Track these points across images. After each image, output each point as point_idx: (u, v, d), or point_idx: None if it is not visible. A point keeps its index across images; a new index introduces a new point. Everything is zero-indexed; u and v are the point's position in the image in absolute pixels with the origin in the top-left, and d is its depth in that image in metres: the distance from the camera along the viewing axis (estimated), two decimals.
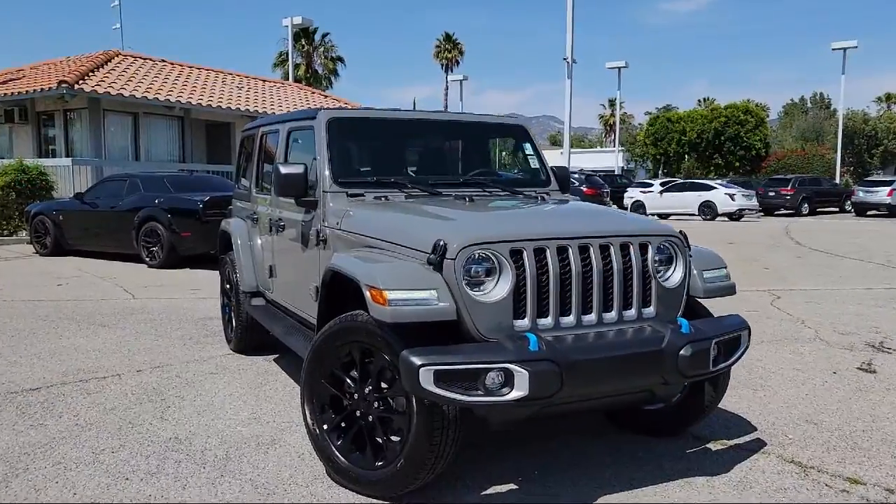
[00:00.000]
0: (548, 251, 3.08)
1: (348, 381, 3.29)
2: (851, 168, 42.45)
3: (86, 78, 17.22)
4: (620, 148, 49.68)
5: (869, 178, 31.46)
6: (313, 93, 26.51)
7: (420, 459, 3.00)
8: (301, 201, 4.17)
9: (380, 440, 3.18)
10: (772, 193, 30.39)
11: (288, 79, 31.13)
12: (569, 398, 2.92)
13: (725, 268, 3.62)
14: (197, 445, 3.83)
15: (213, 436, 3.97)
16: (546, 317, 3.08)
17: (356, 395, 3.25)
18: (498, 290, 3.01)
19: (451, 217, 3.40)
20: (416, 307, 2.89)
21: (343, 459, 3.28)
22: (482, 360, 2.79)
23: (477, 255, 3.01)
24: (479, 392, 2.79)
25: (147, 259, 11.24)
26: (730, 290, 3.58)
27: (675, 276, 3.39)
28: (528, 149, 4.76)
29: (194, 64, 22.76)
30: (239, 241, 5.58)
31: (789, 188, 30.12)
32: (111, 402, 4.55)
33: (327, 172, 4.08)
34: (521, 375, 2.76)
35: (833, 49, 35.05)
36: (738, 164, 47.16)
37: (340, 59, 52.54)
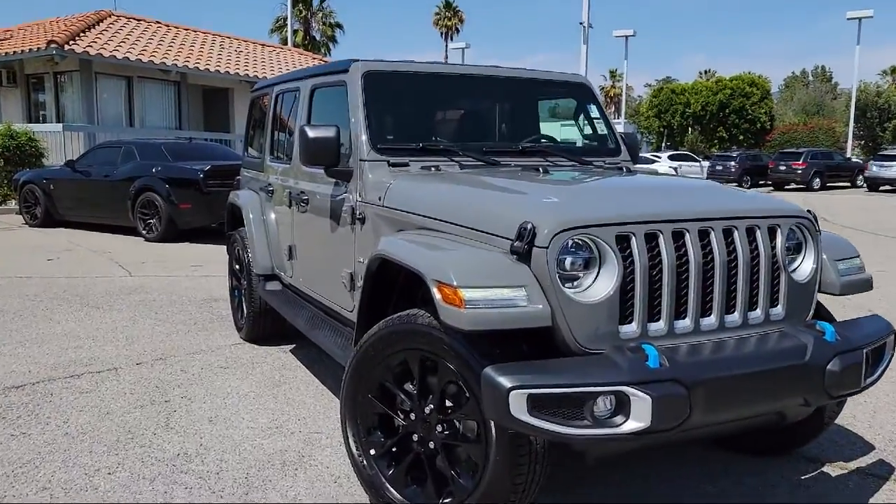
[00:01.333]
0: (661, 236, 2.42)
1: (402, 396, 2.64)
2: (862, 142, 41.67)
3: (76, 38, 16.32)
4: (625, 120, 48.75)
5: (883, 153, 30.70)
6: (314, 58, 25.55)
7: (498, 500, 2.37)
8: (331, 172, 3.49)
9: (444, 472, 2.54)
10: (783, 167, 29.66)
11: (286, 45, 30.09)
12: (692, 427, 2.28)
13: (858, 257, 2.97)
14: (210, 465, 3.19)
15: (228, 451, 3.33)
16: (658, 320, 2.43)
17: (413, 415, 2.61)
18: (600, 286, 2.36)
19: (536, 193, 2.71)
20: (501, 310, 2.23)
21: (396, 494, 2.65)
22: (590, 381, 2.14)
23: (574, 242, 2.35)
24: (585, 422, 2.15)
25: (144, 232, 10.54)
26: (867, 286, 2.93)
27: (805, 266, 2.74)
28: (594, 111, 4.07)
29: (191, 26, 21.80)
30: (251, 217, 4.90)
31: (801, 162, 29.36)
32: (107, 404, 3.90)
33: (364, 137, 3.39)
34: (641, 402, 2.12)
35: (848, 18, 34.06)
36: (742, 137, 46.34)
37: (339, 26, 51.23)
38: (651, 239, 2.42)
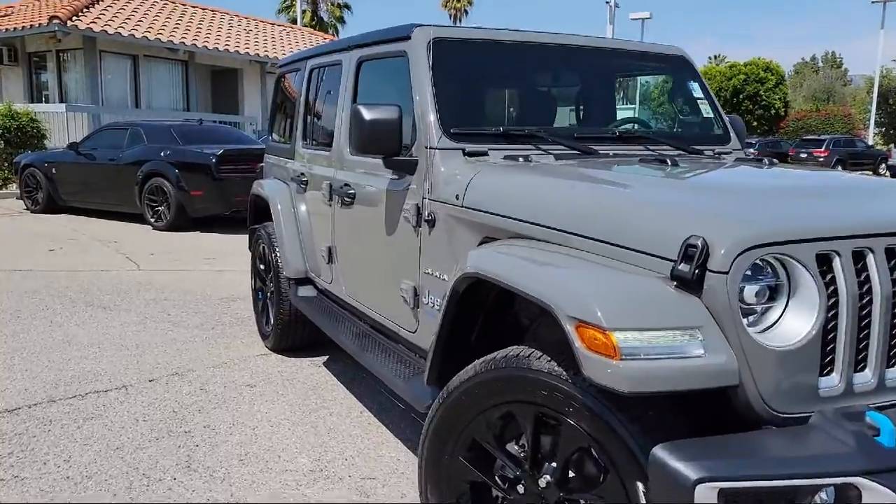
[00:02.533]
0: (870, 255, 1.78)
1: (506, 461, 2.01)
2: (883, 129, 40.76)
3: (80, 14, 15.61)
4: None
5: None
6: (325, 38, 24.74)
7: None
8: (392, 162, 2.85)
9: None
10: (804, 154, 28.89)
11: (295, 25, 29.28)
12: None
13: None
14: None
15: None
16: (863, 370, 1.80)
17: (521, 487, 1.98)
18: (793, 323, 1.72)
19: (700, 196, 2.03)
20: (670, 363, 1.60)
21: None
22: (807, 469, 1.51)
23: (760, 265, 1.71)
24: None
25: (152, 220, 9.91)
26: None
27: None
28: (697, 89, 3.41)
29: (198, 3, 21.02)
30: (280, 212, 4.26)
31: (823, 150, 28.61)
32: (116, 436, 3.29)
33: (433, 118, 2.74)
34: (877, 497, 1.49)
35: (872, 2, 33.13)
36: (755, 123, 45.45)
37: (347, 7, 50.23)
38: (859, 259, 1.77)
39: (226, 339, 4.83)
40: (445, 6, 65.98)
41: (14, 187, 13.16)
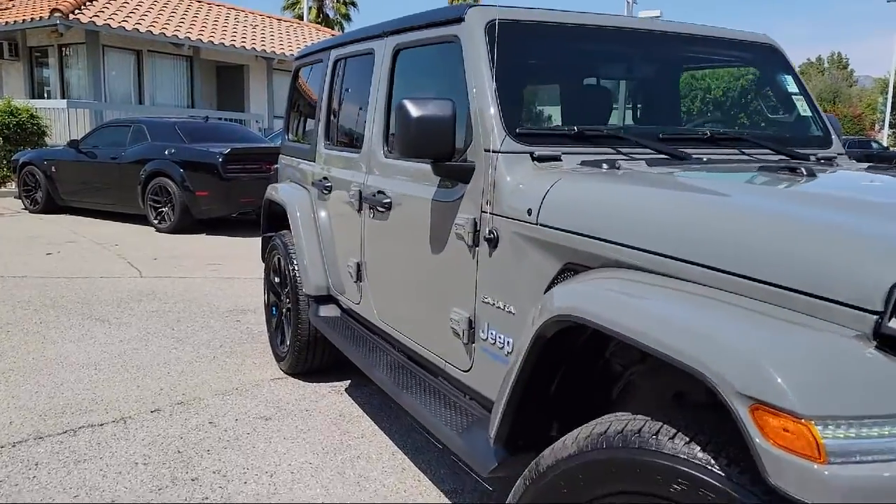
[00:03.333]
0: None
1: None
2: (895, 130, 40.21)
3: (82, 8, 15.13)
4: None
5: None
6: (332, 34, 24.24)
7: None
8: (444, 168, 2.37)
9: None
10: None
11: (301, 20, 28.80)
12: None
13: None
14: None
15: None
16: None
17: None
18: None
19: (884, 223, 1.51)
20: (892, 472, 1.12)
21: None
22: None
23: None
24: None
25: (155, 222, 9.44)
26: None
27: None
28: (790, 83, 2.92)
29: None
30: (299, 221, 3.78)
31: None
32: (112, 485, 2.81)
33: (495, 117, 2.26)
34: None
35: (888, 1, 32.57)
36: (763, 124, 44.90)
37: (353, 4, 49.71)
38: None
39: (236, 360, 4.36)
40: (452, 3, 65.38)
41: (12, 186, 12.71)
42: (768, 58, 2.96)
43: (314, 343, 3.84)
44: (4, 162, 12.99)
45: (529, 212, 2.06)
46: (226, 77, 19.20)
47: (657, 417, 1.46)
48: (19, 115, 13.27)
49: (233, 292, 6.12)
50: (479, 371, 2.33)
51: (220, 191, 8.97)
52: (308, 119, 4.10)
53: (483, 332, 2.27)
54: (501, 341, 2.19)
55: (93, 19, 14.89)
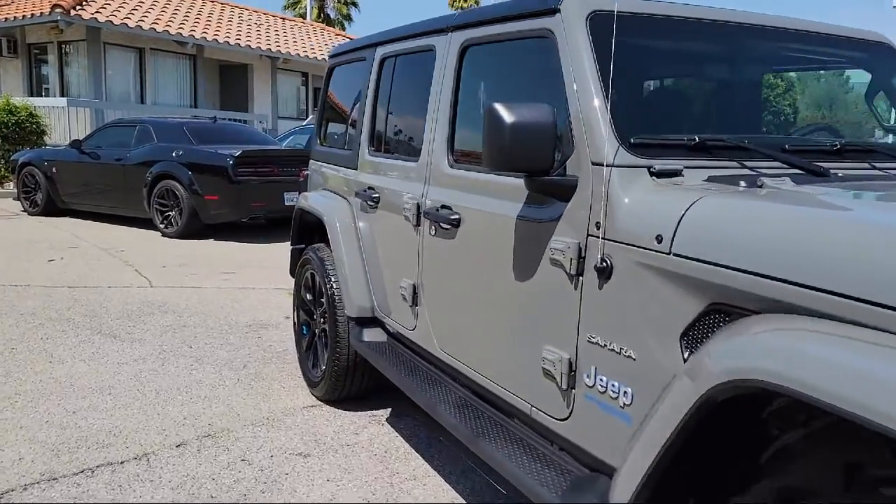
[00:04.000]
0: None
1: None
2: None
3: (84, 3, 14.75)
4: None
5: None
6: (337, 35, 23.91)
7: None
8: (539, 183, 2.03)
9: None
10: None
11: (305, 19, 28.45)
12: None
13: None
14: None
15: None
16: None
17: None
18: None
19: None
20: None
21: None
22: None
23: None
24: None
25: (162, 226, 9.07)
26: None
27: None
28: None
29: None
30: (340, 234, 3.44)
31: None
32: None
33: (605, 123, 1.92)
34: None
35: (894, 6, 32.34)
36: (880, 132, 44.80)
37: (354, 4, 49.38)
38: None
39: (262, 384, 4.01)
40: (451, 5, 65.20)
41: (11, 187, 12.32)
42: (885, 59, 2.63)
43: (354, 368, 3.50)
44: (3, 162, 12.61)
45: (659, 239, 1.71)
46: (229, 76, 18.83)
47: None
48: (18, 113, 12.89)
49: (249, 304, 5.77)
50: (579, 421, 1.99)
51: (230, 195, 8.62)
52: (347, 123, 3.76)
53: (588, 377, 1.93)
54: (615, 390, 1.84)
55: (94, 16, 14.52)
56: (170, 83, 17.23)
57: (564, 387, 2.01)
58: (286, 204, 8.97)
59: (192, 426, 3.41)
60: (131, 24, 15.08)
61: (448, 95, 2.66)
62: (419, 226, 2.80)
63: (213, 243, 8.73)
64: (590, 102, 1.96)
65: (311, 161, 4.21)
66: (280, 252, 8.21)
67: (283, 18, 22.25)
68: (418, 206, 2.79)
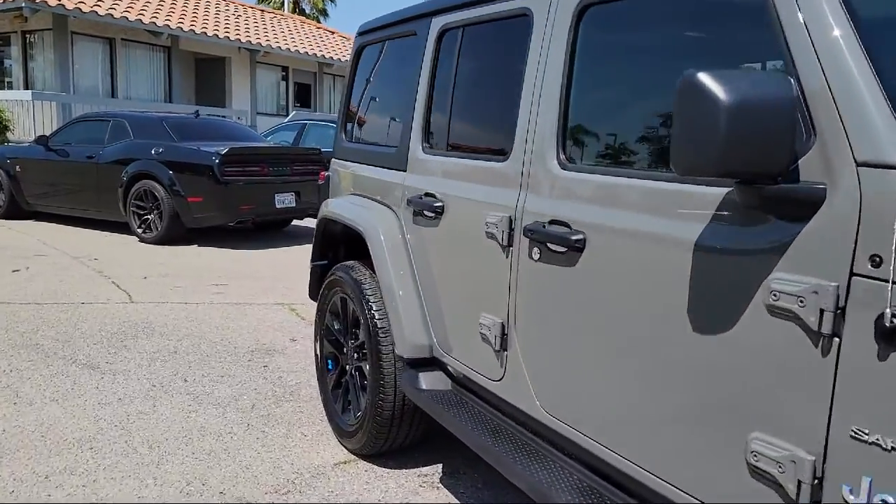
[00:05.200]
0: None
1: None
2: None
3: None
4: None
5: None
6: (318, 27, 23.03)
7: None
8: (769, 195, 1.36)
9: None
10: None
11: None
12: None
13: None
14: None
15: None
16: None
17: None
18: None
19: None
20: None
21: None
22: None
23: None
24: None
25: (139, 231, 8.26)
26: None
27: None
28: None
29: None
30: (387, 253, 2.74)
31: None
32: None
33: (876, 100, 1.26)
34: None
35: None
36: None
37: None
38: None
39: (278, 430, 3.30)
40: None
41: None
42: None
43: (401, 418, 2.81)
44: None
45: None
46: (205, 70, 17.94)
47: None
48: None
49: (248, 324, 5.03)
50: None
51: (215, 196, 7.83)
52: (388, 113, 3.07)
53: (853, 490, 1.27)
54: None
55: (62, 2, 13.55)
56: (142, 76, 16.29)
57: (805, 501, 1.34)
58: (277, 207, 8.24)
59: (200, 495, 2.69)
60: (101, 11, 14.13)
61: (558, 72, 1.99)
62: (511, 246, 2.12)
63: (197, 250, 7.93)
64: (846, 69, 1.30)
65: (335, 161, 3.50)
66: (274, 260, 7.46)
67: (263, 10, 21.36)
68: (511, 221, 2.11)
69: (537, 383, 2.07)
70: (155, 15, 15.40)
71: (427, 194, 2.58)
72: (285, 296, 5.89)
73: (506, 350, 2.18)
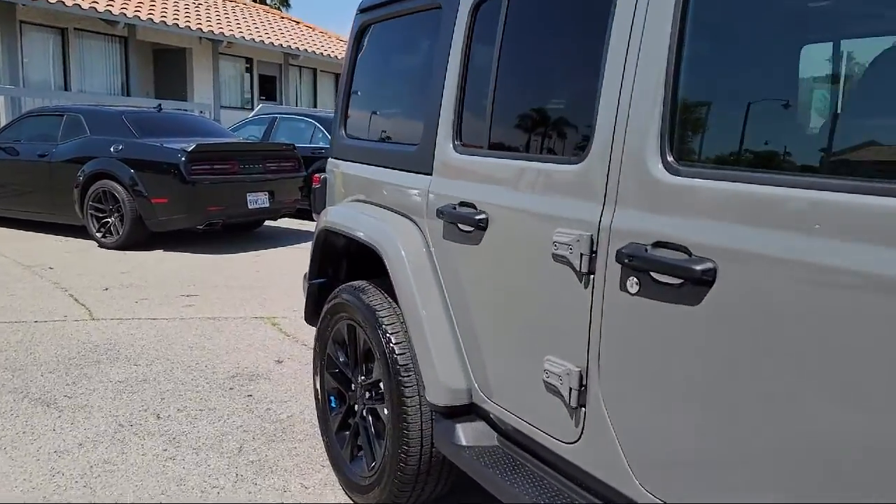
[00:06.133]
0: None
1: None
2: None
3: None
4: None
5: None
6: (282, 17, 22.20)
7: None
8: None
9: None
10: None
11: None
12: None
13: None
14: None
15: None
16: None
17: None
18: None
19: None
20: None
21: None
22: None
23: None
24: None
25: (99, 236, 7.60)
26: None
27: None
28: None
29: None
30: (413, 276, 2.24)
31: None
32: None
33: None
34: None
35: None
36: None
37: None
38: None
39: (273, 480, 2.78)
40: None
41: None
42: None
43: (427, 472, 2.32)
44: None
45: None
46: (165, 61, 17.07)
47: None
48: None
49: (226, 343, 4.48)
50: None
51: (182, 197, 7.21)
52: (404, 103, 2.57)
53: None
54: None
55: None
56: (98, 69, 15.39)
57: None
58: (249, 207, 7.65)
59: None
60: None
61: (662, 37, 1.51)
62: (593, 274, 1.64)
63: (163, 256, 7.30)
64: None
65: (332, 161, 2.99)
66: (247, 265, 6.88)
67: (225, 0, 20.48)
68: (593, 242, 1.63)
69: (631, 451, 1.60)
70: (110, 3, 14.53)
71: (463, 203, 2.09)
72: (264, 307, 5.34)
73: (584, 406, 1.71)
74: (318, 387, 2.87)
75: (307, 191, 9.35)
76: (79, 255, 7.18)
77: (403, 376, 2.27)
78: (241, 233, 8.80)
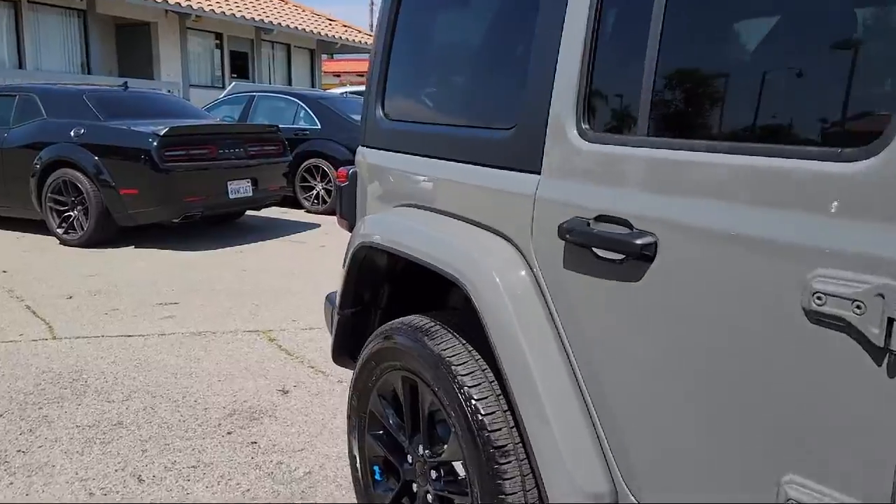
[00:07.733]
0: None
1: None
2: None
3: None
4: None
5: None
6: None
7: None
8: None
9: None
10: None
11: None
12: None
13: None
14: None
15: None
16: None
17: None
18: None
19: None
20: None
21: None
22: None
23: None
24: None
25: (60, 232, 6.74)
26: None
27: None
28: None
29: None
30: (518, 322, 1.53)
31: None
32: None
33: None
34: None
35: None
36: None
37: None
38: None
39: None
40: None
41: None
42: None
43: None
44: None
45: None
46: (128, 37, 15.95)
47: None
48: None
49: (217, 367, 3.75)
50: None
51: (154, 187, 6.38)
52: (486, 72, 1.84)
53: None
54: None
55: None
56: (55, 45, 14.28)
57: None
58: (231, 197, 6.85)
59: None
60: None
61: None
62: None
63: (134, 254, 6.48)
64: None
65: (365, 151, 2.25)
66: (231, 263, 6.10)
67: None
68: None
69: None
70: None
71: (604, 218, 1.39)
72: (256, 316, 4.61)
73: None
74: (354, 453, 2.16)
75: (292, 177, 8.56)
76: (37, 255, 6.33)
77: (500, 463, 1.58)
78: (220, 225, 7.99)
